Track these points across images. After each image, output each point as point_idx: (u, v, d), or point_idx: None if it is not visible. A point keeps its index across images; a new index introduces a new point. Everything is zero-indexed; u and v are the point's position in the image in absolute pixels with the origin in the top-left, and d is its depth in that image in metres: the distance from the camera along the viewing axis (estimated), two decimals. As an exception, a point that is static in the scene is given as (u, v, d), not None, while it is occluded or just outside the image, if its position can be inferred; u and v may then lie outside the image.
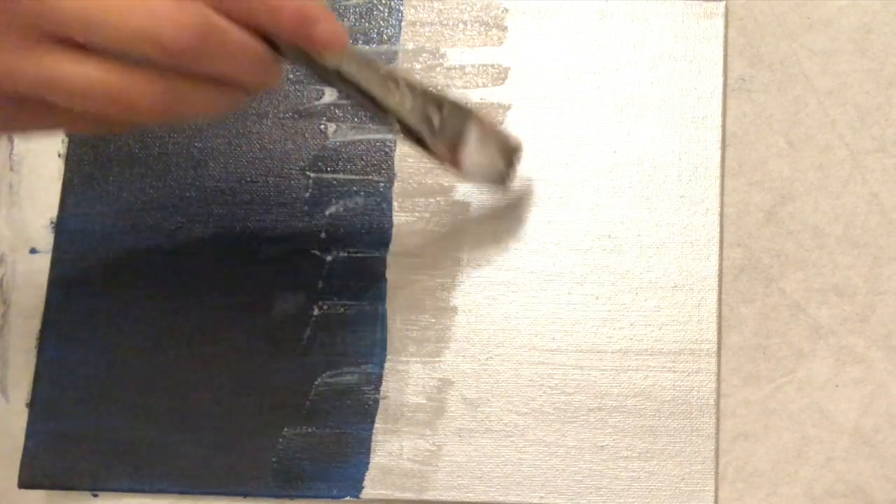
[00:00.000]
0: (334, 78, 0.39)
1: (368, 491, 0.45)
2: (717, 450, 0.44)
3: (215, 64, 0.35)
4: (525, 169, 0.47)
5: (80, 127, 0.36)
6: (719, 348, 0.45)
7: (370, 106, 0.40)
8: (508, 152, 0.45)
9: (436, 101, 0.42)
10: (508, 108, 0.48)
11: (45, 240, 0.49)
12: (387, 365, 0.46)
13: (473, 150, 0.43)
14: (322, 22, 0.36)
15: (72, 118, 0.35)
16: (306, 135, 0.49)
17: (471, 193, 0.47)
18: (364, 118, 0.49)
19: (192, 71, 0.34)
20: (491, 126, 0.44)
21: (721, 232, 0.46)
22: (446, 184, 0.48)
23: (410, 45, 0.49)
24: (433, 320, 0.46)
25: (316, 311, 0.47)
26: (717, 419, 0.45)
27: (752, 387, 0.45)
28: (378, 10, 0.50)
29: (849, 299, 0.46)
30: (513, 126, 0.48)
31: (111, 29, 0.32)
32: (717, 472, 0.44)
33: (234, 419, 0.46)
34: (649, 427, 0.45)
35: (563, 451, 0.45)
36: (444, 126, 0.42)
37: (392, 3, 0.50)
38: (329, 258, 0.47)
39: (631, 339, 0.45)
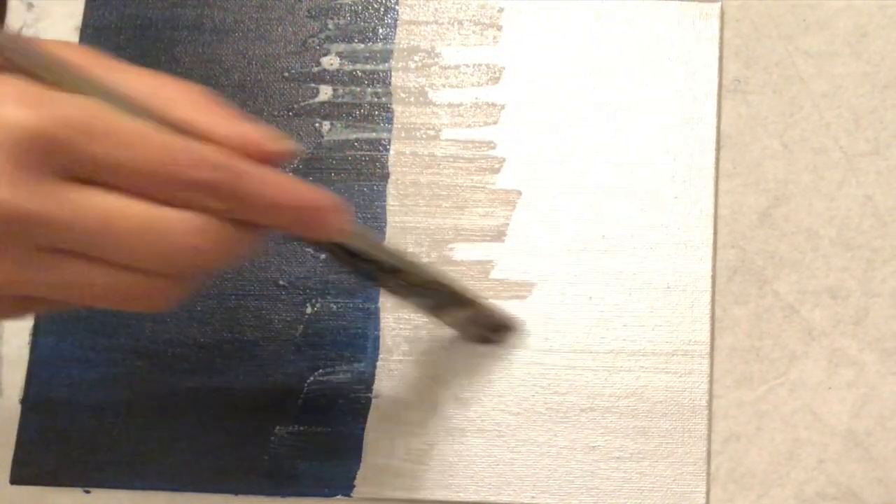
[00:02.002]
0: (336, 251, 0.38)
1: (360, 490, 0.45)
2: (708, 451, 0.44)
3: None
4: (520, 169, 0.47)
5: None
6: (712, 349, 0.45)
7: (368, 272, 0.39)
8: (498, 328, 0.45)
9: (437, 281, 0.42)
10: (503, 107, 0.48)
11: (39, 236, 0.49)
12: (379, 364, 0.46)
13: (456, 320, 0.43)
14: (331, 213, 0.35)
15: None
16: (301, 133, 0.49)
17: (463, 192, 0.48)
18: (359, 117, 0.49)
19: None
20: (485, 311, 0.44)
21: (715, 233, 0.46)
22: (441, 183, 0.48)
23: (405, 44, 0.49)
24: (426, 319, 0.46)
25: (309, 310, 0.47)
26: (710, 420, 0.45)
27: (744, 388, 0.45)
28: (373, 8, 0.50)
29: (842, 301, 0.46)
30: (507, 126, 0.48)
31: (127, 250, 0.31)
32: (708, 474, 0.44)
33: (226, 417, 0.46)
34: (641, 428, 0.45)
35: (554, 452, 0.45)
36: (442, 300, 0.42)
37: (387, 1, 0.50)
38: (322, 256, 0.47)
39: (624, 339, 0.45)
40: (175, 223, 0.31)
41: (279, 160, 0.34)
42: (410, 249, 0.47)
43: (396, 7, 0.50)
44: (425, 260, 0.46)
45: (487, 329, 0.45)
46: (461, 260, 0.47)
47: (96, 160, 0.30)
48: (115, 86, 0.31)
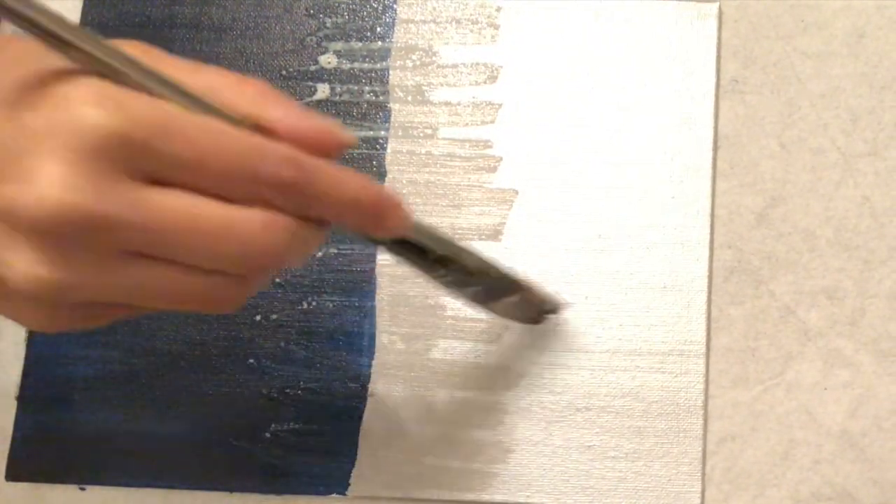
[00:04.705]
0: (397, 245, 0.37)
1: (355, 488, 0.45)
2: (704, 451, 0.44)
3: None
4: (516, 168, 0.47)
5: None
6: (708, 350, 0.45)
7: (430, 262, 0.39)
8: (545, 310, 0.45)
9: (488, 268, 0.41)
10: (500, 106, 0.48)
11: (37, 233, 0.49)
12: (375, 362, 0.46)
13: (506, 308, 0.43)
14: (396, 209, 0.35)
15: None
16: (298, 131, 0.49)
17: (459, 190, 0.48)
18: (356, 116, 0.49)
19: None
20: (533, 293, 0.44)
21: (712, 233, 0.46)
22: (438, 182, 0.48)
23: (403, 43, 0.49)
24: (422, 317, 0.46)
25: (304, 306, 0.47)
26: (705, 420, 0.45)
27: (740, 388, 0.45)
28: (371, 6, 0.50)
29: (838, 302, 0.45)
30: (504, 125, 0.48)
31: (202, 252, 0.31)
32: (703, 474, 0.44)
33: (222, 415, 0.46)
34: (637, 428, 0.45)
35: (550, 451, 0.45)
36: (494, 288, 0.42)
37: (385, 0, 0.50)
38: (319, 254, 0.47)
39: (620, 339, 0.45)
40: (249, 223, 0.31)
41: (342, 151, 0.33)
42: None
43: (394, 5, 0.50)
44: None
45: (535, 311, 0.44)
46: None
47: (171, 160, 0.30)
48: (183, 82, 0.31)
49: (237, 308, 0.33)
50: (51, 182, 0.29)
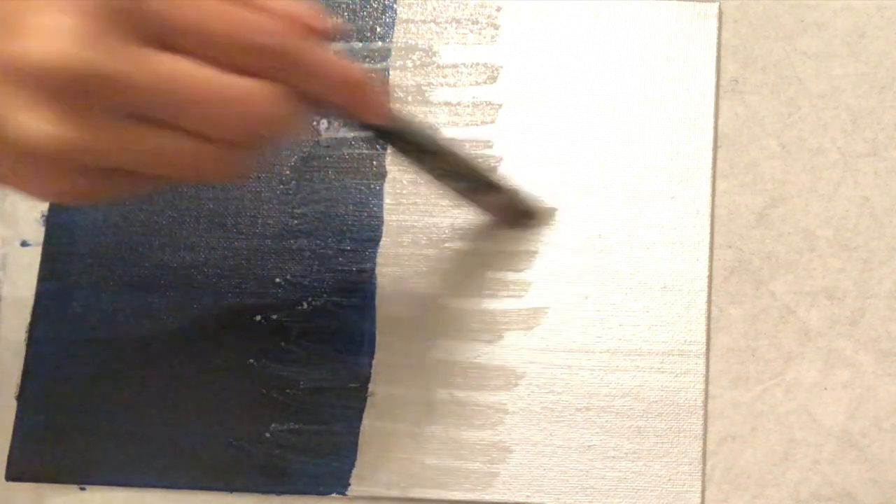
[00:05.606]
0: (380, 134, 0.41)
1: (355, 488, 0.45)
2: (704, 451, 0.44)
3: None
4: (516, 168, 0.47)
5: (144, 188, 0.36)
6: (708, 350, 0.45)
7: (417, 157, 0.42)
8: (528, 216, 0.47)
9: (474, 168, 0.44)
10: (500, 106, 0.48)
11: (37, 233, 0.49)
12: (375, 361, 0.46)
13: (489, 205, 0.46)
14: (379, 93, 0.37)
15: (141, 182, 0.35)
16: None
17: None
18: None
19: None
20: (518, 198, 0.46)
21: (712, 233, 0.46)
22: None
23: (403, 43, 0.49)
24: (422, 317, 0.46)
25: (304, 306, 0.47)
26: (705, 420, 0.45)
27: (740, 388, 0.45)
28: (371, 6, 0.50)
29: (838, 302, 0.45)
30: (504, 125, 0.48)
31: (203, 116, 0.32)
32: (703, 474, 0.44)
33: (221, 414, 0.46)
34: (637, 427, 0.45)
35: (550, 451, 0.45)
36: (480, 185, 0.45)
37: (385, 0, 0.50)
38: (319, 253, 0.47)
39: (620, 339, 0.45)
40: (252, 90, 0.32)
41: (327, 38, 0.35)
42: (408, 248, 0.47)
43: (394, 6, 0.50)
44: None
45: (517, 215, 0.46)
46: (457, 257, 0.47)
47: (177, 24, 0.31)
48: None
49: (237, 179, 0.35)
50: (59, 33, 0.29)
